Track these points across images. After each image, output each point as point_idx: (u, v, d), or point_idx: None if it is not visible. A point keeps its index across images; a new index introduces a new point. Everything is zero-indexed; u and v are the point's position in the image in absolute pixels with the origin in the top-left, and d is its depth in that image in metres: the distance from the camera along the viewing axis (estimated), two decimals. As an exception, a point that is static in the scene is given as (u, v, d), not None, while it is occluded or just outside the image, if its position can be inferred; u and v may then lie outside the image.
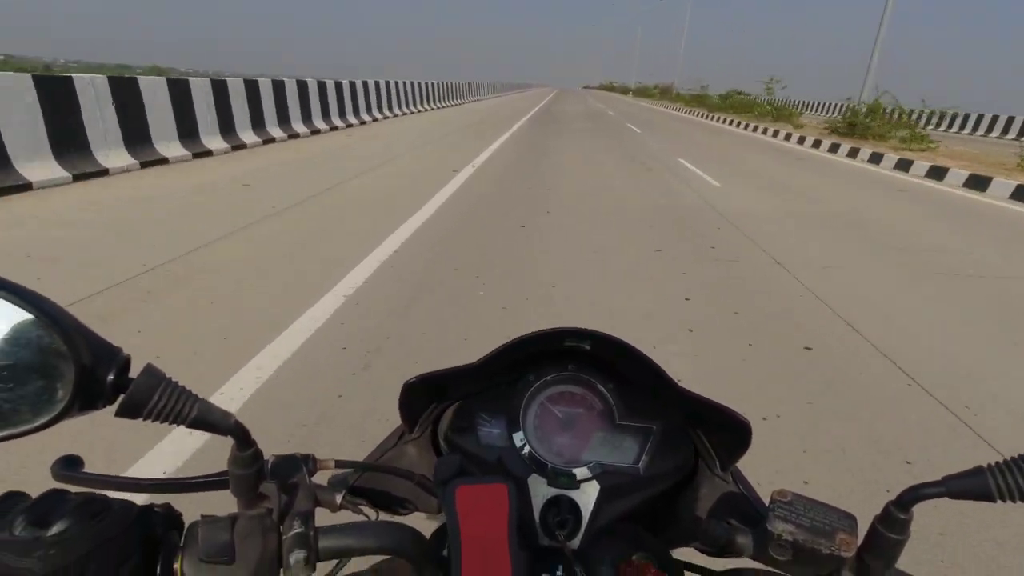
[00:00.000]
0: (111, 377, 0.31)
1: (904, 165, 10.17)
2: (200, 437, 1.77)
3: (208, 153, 7.20)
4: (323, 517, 0.40)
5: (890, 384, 2.44)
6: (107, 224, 4.15)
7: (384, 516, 0.48)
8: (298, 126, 9.80)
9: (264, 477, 0.38)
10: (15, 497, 0.32)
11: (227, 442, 0.36)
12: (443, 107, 20.61)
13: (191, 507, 0.38)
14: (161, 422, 0.32)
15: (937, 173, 9.24)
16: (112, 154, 5.86)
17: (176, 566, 0.34)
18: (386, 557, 0.45)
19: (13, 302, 0.28)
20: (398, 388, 0.49)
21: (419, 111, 17.45)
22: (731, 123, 21.41)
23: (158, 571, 0.34)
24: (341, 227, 4.46)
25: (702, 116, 25.79)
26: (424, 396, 0.52)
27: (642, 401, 0.52)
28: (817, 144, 13.66)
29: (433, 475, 0.43)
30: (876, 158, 11.09)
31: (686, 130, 17.52)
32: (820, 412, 2.17)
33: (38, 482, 0.31)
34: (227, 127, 7.83)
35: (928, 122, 23.30)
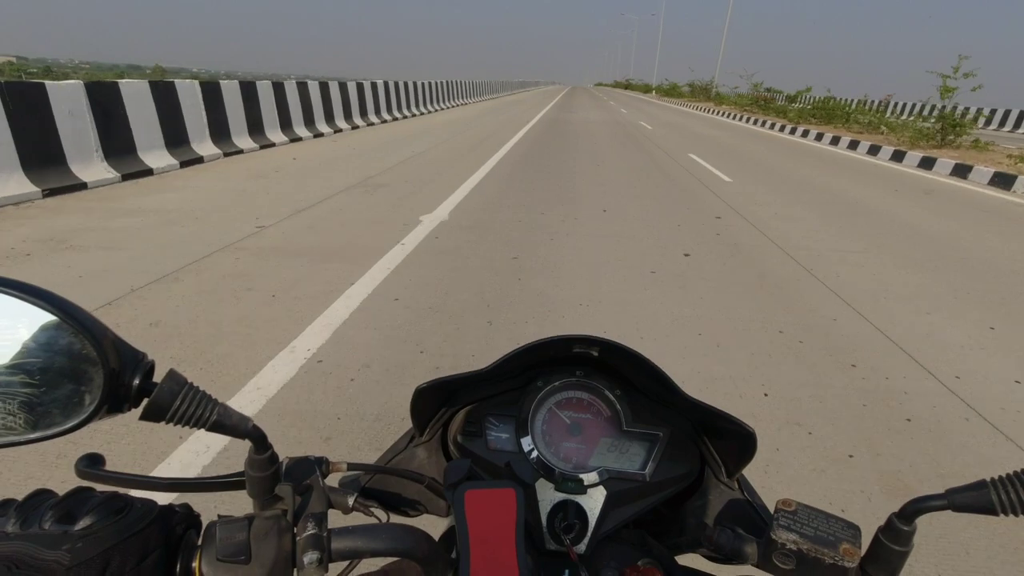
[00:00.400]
0: (137, 381, 0.32)
1: None
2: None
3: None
4: (335, 519, 0.41)
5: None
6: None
7: (394, 518, 0.49)
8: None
9: (279, 479, 0.39)
10: (44, 494, 0.33)
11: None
12: (425, 113, 16.37)
13: (204, 505, 0.40)
14: (183, 425, 0.34)
15: None
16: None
17: (195, 564, 0.35)
18: (396, 559, 0.46)
19: (47, 309, 0.30)
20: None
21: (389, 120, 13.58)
22: (858, 148, 12.21)
23: (178, 569, 0.35)
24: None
25: (778, 129, 17.12)
26: (434, 400, 0.53)
27: (649, 408, 0.53)
28: None
29: (443, 479, 0.44)
30: None
31: (837, 185, 7.59)
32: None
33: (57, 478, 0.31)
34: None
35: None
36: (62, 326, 0.30)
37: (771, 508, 0.45)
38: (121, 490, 0.36)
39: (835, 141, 13.73)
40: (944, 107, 12.26)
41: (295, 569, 0.37)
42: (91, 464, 0.38)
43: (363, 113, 12.38)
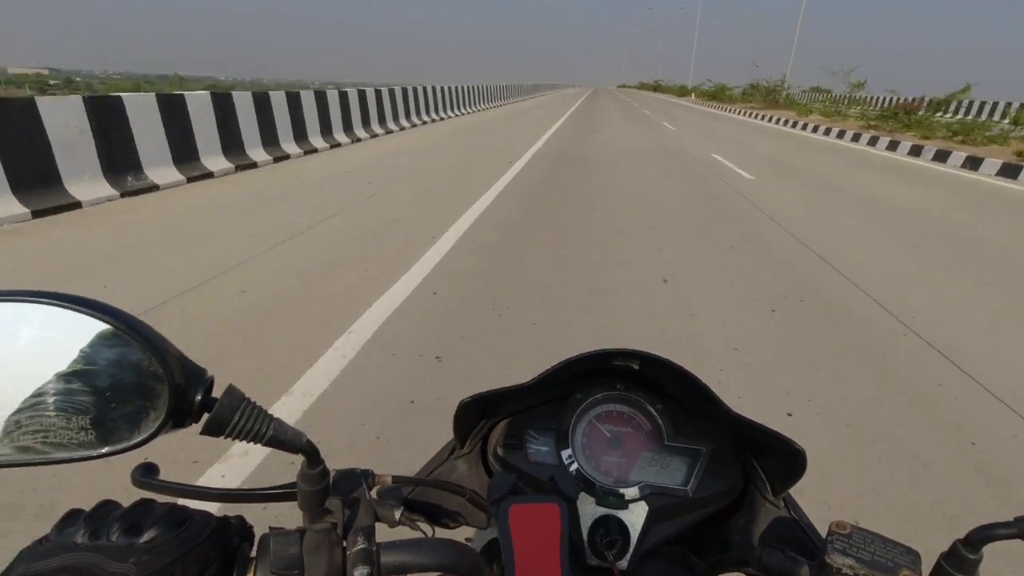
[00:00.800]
0: (199, 397, 0.33)
1: None
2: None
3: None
4: (379, 531, 0.41)
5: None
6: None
7: (436, 530, 0.49)
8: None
9: (329, 492, 0.40)
10: (109, 505, 0.34)
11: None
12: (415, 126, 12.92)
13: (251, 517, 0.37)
14: (241, 440, 0.34)
15: None
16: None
17: None
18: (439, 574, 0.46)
19: (115, 326, 0.31)
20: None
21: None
22: None
23: None
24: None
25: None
26: (475, 413, 0.53)
27: (691, 422, 0.52)
28: None
29: (487, 492, 0.44)
30: None
31: None
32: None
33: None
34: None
35: None
36: (130, 343, 0.31)
37: (820, 529, 0.44)
38: (178, 502, 0.37)
39: None
40: None
41: None
42: (146, 473, 0.39)
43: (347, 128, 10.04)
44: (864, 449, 2.02)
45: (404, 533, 0.43)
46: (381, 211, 5.16)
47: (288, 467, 1.71)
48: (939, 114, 17.17)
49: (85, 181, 5.08)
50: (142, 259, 3.72)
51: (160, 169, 5.83)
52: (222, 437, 0.34)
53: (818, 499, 1.76)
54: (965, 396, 2.40)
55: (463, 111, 18.06)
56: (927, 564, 0.38)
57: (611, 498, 0.49)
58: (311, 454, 0.37)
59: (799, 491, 0.49)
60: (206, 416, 0.33)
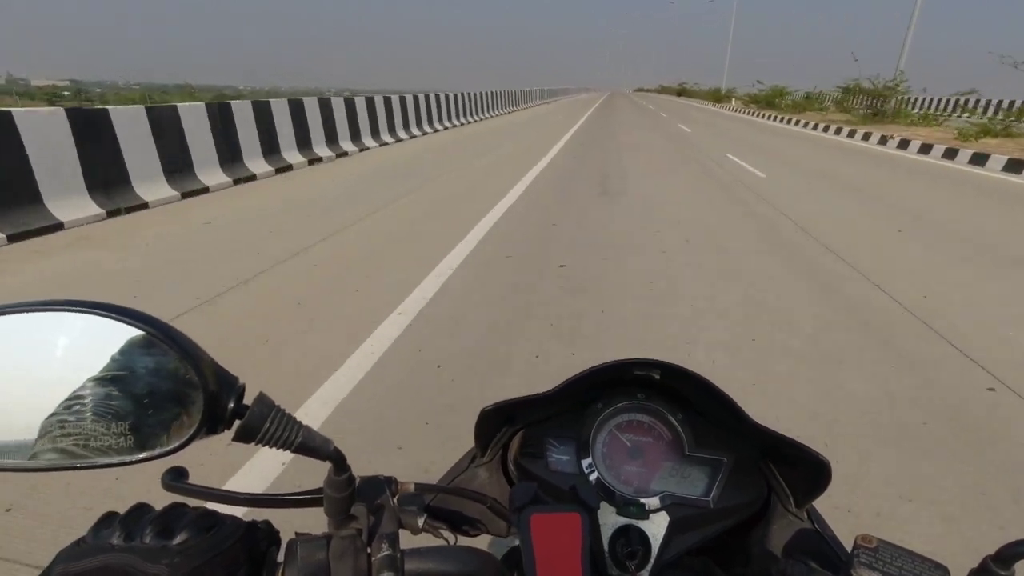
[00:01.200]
0: (231, 405, 0.34)
1: None
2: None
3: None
4: (402, 538, 0.41)
5: None
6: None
7: (458, 538, 0.49)
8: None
9: (354, 499, 0.40)
10: (143, 508, 0.35)
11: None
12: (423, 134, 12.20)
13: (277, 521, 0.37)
14: (271, 447, 0.35)
15: None
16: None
17: None
18: None
19: (154, 336, 0.32)
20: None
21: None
22: None
23: None
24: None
25: None
26: (496, 421, 0.53)
27: (713, 432, 0.52)
28: None
29: (508, 501, 0.44)
30: None
31: None
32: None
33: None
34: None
35: None
36: (167, 351, 0.32)
37: (845, 542, 0.43)
38: (208, 504, 0.38)
39: None
40: None
41: None
42: (176, 478, 0.40)
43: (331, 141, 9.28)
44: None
45: (426, 540, 0.44)
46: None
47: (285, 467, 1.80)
48: None
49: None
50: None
51: (149, 184, 5.77)
52: (252, 444, 0.35)
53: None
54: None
55: (474, 118, 17.47)
56: None
57: (632, 508, 0.49)
58: (338, 461, 0.38)
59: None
60: (237, 423, 0.34)
